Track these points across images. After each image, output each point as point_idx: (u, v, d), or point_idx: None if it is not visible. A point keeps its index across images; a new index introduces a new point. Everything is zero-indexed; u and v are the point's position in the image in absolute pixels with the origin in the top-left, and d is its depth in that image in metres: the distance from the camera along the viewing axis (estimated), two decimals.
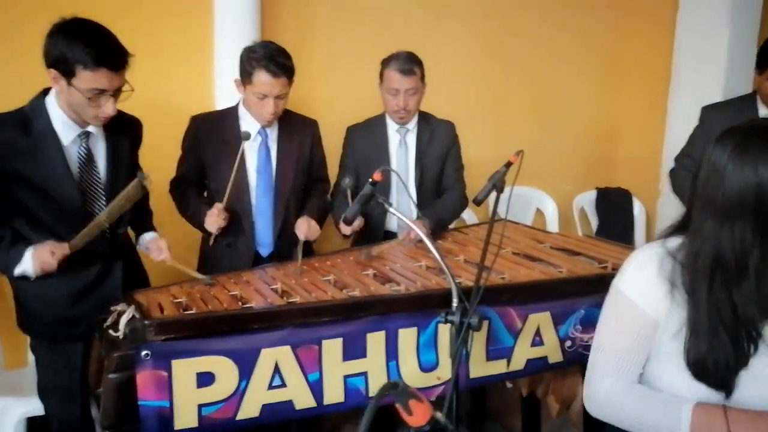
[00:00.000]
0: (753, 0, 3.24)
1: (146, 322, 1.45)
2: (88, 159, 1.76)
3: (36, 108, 1.70)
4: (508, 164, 1.78)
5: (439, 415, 0.97)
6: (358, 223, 2.22)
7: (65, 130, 1.71)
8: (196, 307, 1.61)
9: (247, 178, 2.20)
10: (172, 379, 1.43)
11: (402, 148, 2.51)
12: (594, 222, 3.69)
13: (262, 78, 2.04)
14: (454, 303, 1.44)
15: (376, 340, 1.61)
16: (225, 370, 1.47)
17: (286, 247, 2.27)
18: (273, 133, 2.24)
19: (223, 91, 2.68)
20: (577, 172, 3.82)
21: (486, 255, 1.55)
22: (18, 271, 1.69)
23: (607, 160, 3.94)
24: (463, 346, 1.41)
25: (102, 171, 1.79)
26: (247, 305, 1.63)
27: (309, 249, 2.44)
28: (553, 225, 3.53)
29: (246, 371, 1.49)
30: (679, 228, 1.22)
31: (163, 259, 1.91)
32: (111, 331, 1.52)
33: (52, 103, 1.70)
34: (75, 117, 1.70)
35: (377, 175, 1.59)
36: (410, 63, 2.36)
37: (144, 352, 1.41)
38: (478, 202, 1.90)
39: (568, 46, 3.65)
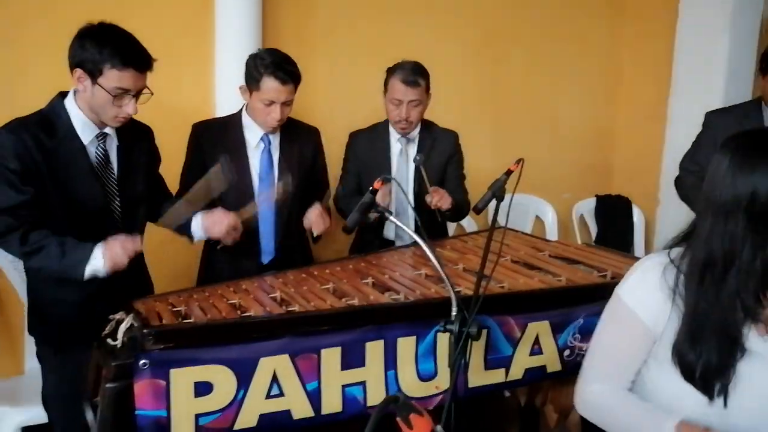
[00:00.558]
0: (753, 7, 3.25)
1: (145, 330, 1.44)
2: (106, 159, 1.82)
3: (56, 109, 1.75)
4: (508, 172, 1.79)
5: (439, 428, 0.97)
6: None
7: (84, 130, 1.76)
8: (195, 315, 1.60)
9: (252, 185, 2.20)
10: (170, 388, 1.43)
11: (403, 157, 2.51)
12: (593, 229, 3.70)
13: (271, 84, 2.06)
14: (453, 312, 1.43)
15: (374, 349, 1.61)
16: (223, 380, 1.47)
17: (287, 254, 2.28)
18: (276, 140, 2.25)
19: (224, 98, 2.69)
20: (577, 179, 3.83)
21: (485, 263, 1.55)
22: (89, 271, 1.67)
23: (606, 167, 3.95)
24: (462, 355, 1.41)
25: (116, 172, 1.85)
26: (246, 314, 1.62)
27: (308, 257, 2.44)
28: (552, 233, 3.53)
29: (244, 380, 1.49)
30: (685, 237, 1.23)
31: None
32: (109, 340, 1.51)
33: (71, 104, 1.76)
34: (93, 118, 1.76)
35: (378, 184, 1.58)
36: (415, 75, 2.36)
37: (142, 361, 1.40)
38: (478, 211, 1.91)
39: (567, 54, 3.66)
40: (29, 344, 2.24)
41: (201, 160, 2.19)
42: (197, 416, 1.45)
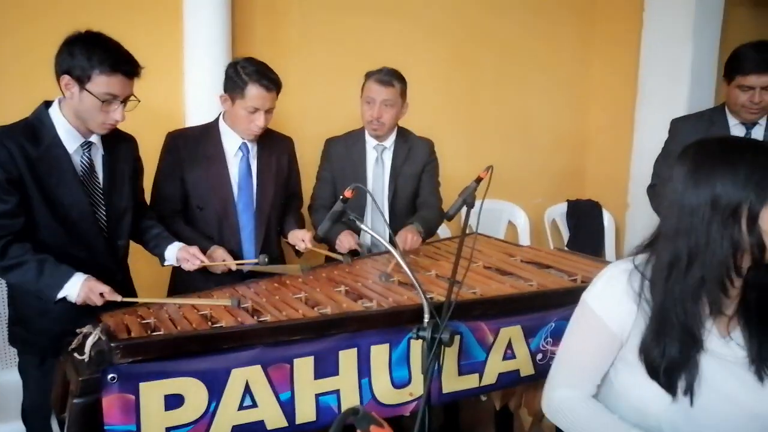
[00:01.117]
0: (714, 15, 3.34)
1: (112, 344, 1.41)
2: (90, 168, 1.82)
3: (41, 118, 1.75)
4: (479, 180, 1.81)
5: None
6: (353, 240, 2.29)
7: (69, 139, 1.76)
8: (165, 327, 1.58)
9: (233, 194, 2.20)
10: (139, 402, 1.40)
11: (379, 165, 2.52)
12: (565, 233, 3.74)
13: (256, 92, 2.07)
14: (426, 319, 1.44)
15: (348, 358, 1.61)
16: (194, 392, 1.45)
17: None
18: (254, 149, 2.25)
19: (195, 105, 2.67)
20: (548, 184, 3.88)
21: (457, 270, 1.55)
22: (60, 294, 1.69)
23: (577, 172, 4.01)
24: (434, 361, 1.41)
25: (101, 181, 1.85)
26: (217, 325, 1.61)
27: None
28: (525, 237, 3.57)
29: (216, 392, 1.47)
30: (649, 244, 1.26)
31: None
32: (76, 354, 1.48)
33: (56, 113, 1.76)
34: (79, 126, 1.76)
35: (348, 193, 1.59)
36: (390, 76, 2.41)
37: (110, 375, 1.38)
38: (449, 218, 1.92)
39: (539, 62, 3.72)
40: (3, 357, 2.19)
41: (179, 170, 2.17)
42: (168, 429, 1.43)
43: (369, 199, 2.46)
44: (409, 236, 2.24)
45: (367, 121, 2.45)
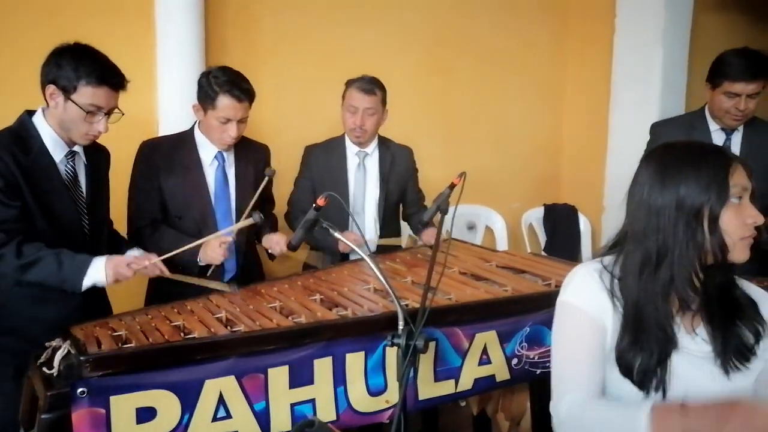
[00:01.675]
0: (683, 21, 3.40)
1: (82, 357, 1.39)
2: (75, 177, 1.84)
3: (26, 127, 1.76)
4: (452, 186, 1.82)
5: None
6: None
7: (56, 148, 1.78)
8: (136, 339, 1.56)
9: (211, 203, 2.18)
10: (110, 416, 1.38)
11: (360, 172, 2.52)
12: (542, 237, 3.78)
13: (227, 102, 2.05)
14: (400, 326, 1.44)
15: (323, 366, 1.60)
16: (167, 404, 1.43)
17: (247, 272, 2.26)
18: (230, 158, 2.24)
19: (167, 114, 2.65)
20: (525, 189, 3.91)
21: (431, 276, 1.56)
22: (87, 282, 1.70)
23: (553, 177, 4.04)
24: (410, 368, 1.41)
25: (84, 190, 1.86)
26: (190, 336, 1.59)
27: (260, 273, 2.41)
28: (502, 241, 3.60)
29: (189, 404, 1.45)
30: (614, 245, 1.28)
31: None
32: (45, 368, 1.45)
33: (41, 122, 1.77)
34: (63, 135, 1.78)
35: (321, 201, 1.58)
36: (372, 84, 2.43)
37: (80, 390, 1.35)
38: (424, 224, 1.94)
39: (513, 67, 3.75)
40: None
41: (155, 179, 2.15)
42: None
43: (352, 205, 2.49)
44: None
45: (350, 129, 2.45)
